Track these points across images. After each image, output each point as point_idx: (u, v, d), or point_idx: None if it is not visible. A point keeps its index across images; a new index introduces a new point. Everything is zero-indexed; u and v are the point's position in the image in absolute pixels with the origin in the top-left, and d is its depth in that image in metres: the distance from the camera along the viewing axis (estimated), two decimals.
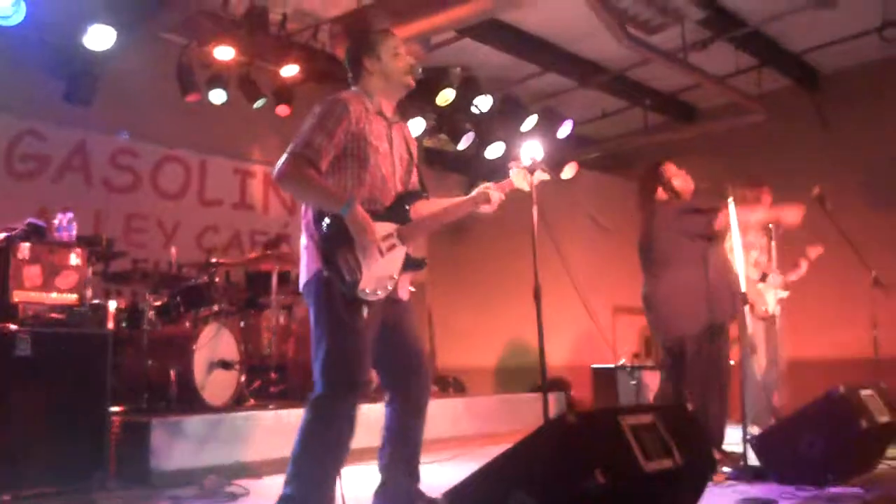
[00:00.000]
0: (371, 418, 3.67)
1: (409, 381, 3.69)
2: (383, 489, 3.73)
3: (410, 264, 3.58)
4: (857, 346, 6.68)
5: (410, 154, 3.77)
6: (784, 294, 6.64)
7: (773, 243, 6.23)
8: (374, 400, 3.83)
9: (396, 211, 3.57)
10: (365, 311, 3.37)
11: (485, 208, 3.77)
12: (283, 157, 3.41)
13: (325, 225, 3.38)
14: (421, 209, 3.68)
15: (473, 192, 3.78)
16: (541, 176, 3.80)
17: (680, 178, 5.50)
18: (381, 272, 3.44)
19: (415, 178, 3.77)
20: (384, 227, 3.48)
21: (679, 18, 7.82)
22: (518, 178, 3.79)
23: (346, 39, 3.81)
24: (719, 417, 5.10)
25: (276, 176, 3.41)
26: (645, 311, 5.44)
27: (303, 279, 3.56)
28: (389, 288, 3.46)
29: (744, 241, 6.20)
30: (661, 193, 5.50)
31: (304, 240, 3.56)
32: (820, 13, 7.79)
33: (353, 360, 3.40)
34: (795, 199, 6.61)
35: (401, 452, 3.71)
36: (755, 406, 5.96)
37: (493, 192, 3.76)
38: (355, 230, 3.32)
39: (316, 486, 3.38)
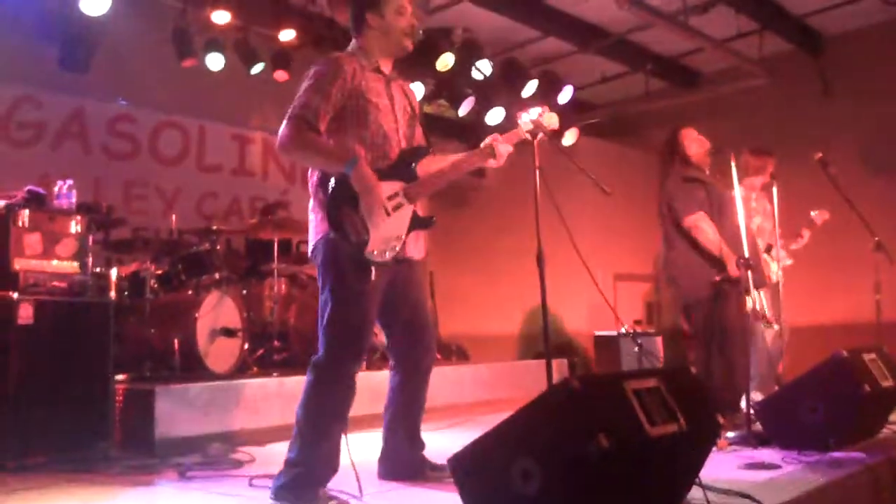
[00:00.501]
0: (376, 385, 3.67)
1: (413, 345, 3.69)
2: (388, 454, 3.75)
3: (418, 223, 3.55)
4: (860, 311, 6.68)
5: (413, 109, 3.72)
6: (788, 262, 6.62)
7: (776, 208, 6.20)
8: (379, 366, 3.84)
9: (401, 168, 3.53)
10: (373, 273, 3.35)
11: (491, 162, 3.71)
12: (283, 123, 3.38)
13: (330, 187, 3.35)
14: (427, 166, 3.64)
15: (482, 144, 3.74)
16: (550, 122, 3.73)
17: (696, 144, 5.53)
18: (389, 232, 3.41)
19: (419, 133, 3.73)
20: (390, 186, 3.45)
21: None
22: (527, 126, 3.71)
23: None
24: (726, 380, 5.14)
25: (279, 143, 3.38)
26: (666, 278, 5.52)
27: (311, 242, 3.54)
28: (397, 249, 3.44)
29: (746, 208, 6.19)
30: (676, 160, 5.55)
31: (311, 203, 3.53)
32: None
33: (355, 325, 3.40)
34: (798, 164, 6.60)
35: (404, 415, 3.72)
36: (760, 373, 5.97)
37: (501, 144, 3.70)
38: (360, 189, 3.29)
39: (318, 449, 3.39)
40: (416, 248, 3.66)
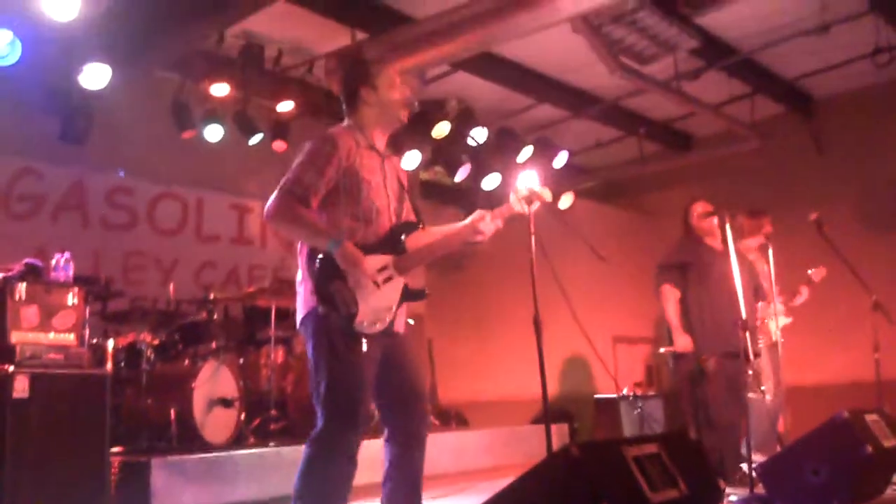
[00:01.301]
0: (373, 454, 3.63)
1: (408, 414, 3.64)
2: None
3: (409, 295, 3.55)
4: (859, 370, 6.66)
5: (402, 186, 3.75)
6: (787, 321, 6.62)
7: (772, 268, 6.22)
8: (375, 435, 3.80)
9: (391, 242, 3.55)
10: (364, 345, 3.35)
11: (478, 238, 3.72)
12: (273, 194, 3.41)
13: (318, 261, 3.37)
14: (417, 240, 3.66)
15: (468, 220, 3.74)
16: (544, 196, 3.73)
17: (703, 219, 5.72)
18: (379, 304, 3.42)
19: (408, 208, 3.76)
20: (379, 260, 3.46)
21: (671, 48, 7.86)
22: (517, 203, 3.68)
23: (343, 69, 3.78)
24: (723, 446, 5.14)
25: (266, 213, 3.42)
26: None
27: (299, 315, 3.53)
28: (388, 320, 3.44)
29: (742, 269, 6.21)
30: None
31: (299, 275, 3.54)
32: (812, 40, 7.83)
33: (352, 395, 3.37)
34: (793, 224, 6.65)
35: (402, 487, 3.67)
36: (760, 433, 5.93)
37: (488, 219, 3.68)
38: (346, 266, 3.31)
39: None
40: (402, 321, 3.66)
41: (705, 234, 5.77)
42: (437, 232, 3.74)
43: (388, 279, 3.47)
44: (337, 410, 3.37)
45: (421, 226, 3.71)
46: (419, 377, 3.71)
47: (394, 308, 3.47)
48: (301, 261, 3.52)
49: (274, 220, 3.43)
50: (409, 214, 3.74)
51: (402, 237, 3.59)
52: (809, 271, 6.64)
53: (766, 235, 6.55)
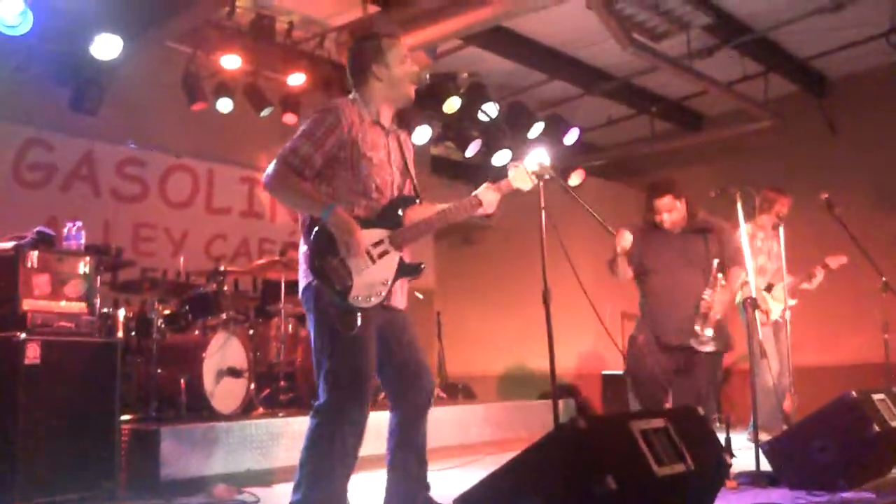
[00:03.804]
0: (379, 425, 3.66)
1: (410, 387, 3.66)
2: (393, 496, 3.72)
3: (405, 270, 3.56)
4: (868, 351, 6.66)
5: (405, 161, 3.75)
6: (793, 302, 6.61)
7: (782, 248, 6.22)
8: (381, 407, 3.82)
9: (388, 216, 3.56)
10: (359, 318, 3.36)
11: (481, 211, 3.71)
12: (272, 163, 3.44)
13: (313, 233, 3.40)
14: (414, 214, 3.66)
15: (471, 195, 3.74)
16: (544, 172, 3.71)
17: (662, 214, 5.45)
18: (373, 278, 3.43)
19: (409, 184, 3.76)
20: (375, 234, 3.48)
21: (684, 25, 7.82)
22: (517, 178, 3.69)
23: (354, 43, 3.75)
24: None
25: (264, 180, 3.47)
26: None
27: (300, 288, 3.57)
28: (382, 294, 3.45)
29: (752, 247, 6.20)
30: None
31: (300, 248, 3.57)
32: (826, 19, 7.77)
33: (353, 369, 3.40)
34: (804, 205, 6.62)
35: (407, 458, 3.70)
36: (765, 412, 5.94)
37: (488, 192, 3.67)
38: (338, 233, 3.33)
39: (323, 494, 3.37)
40: (401, 298, 3.67)
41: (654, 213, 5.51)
42: (436, 207, 3.74)
43: (384, 253, 3.49)
44: (339, 383, 3.39)
45: (419, 201, 3.71)
46: (420, 351, 3.73)
47: (389, 282, 3.49)
48: (302, 235, 3.54)
49: (271, 189, 3.48)
50: (411, 189, 3.75)
51: (400, 211, 3.60)
52: (828, 260, 6.60)
53: (778, 215, 6.55)
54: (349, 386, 3.39)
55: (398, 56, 3.64)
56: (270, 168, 3.43)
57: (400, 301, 3.65)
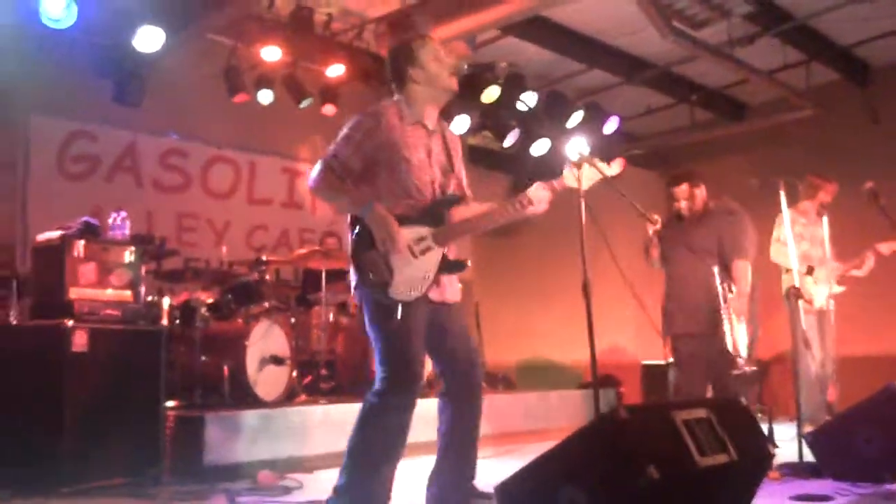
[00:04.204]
0: (429, 412, 3.70)
1: (462, 380, 3.70)
2: (437, 483, 3.75)
3: (448, 266, 3.60)
4: None
5: (450, 160, 3.77)
6: (839, 289, 6.53)
7: (826, 235, 6.14)
8: (430, 394, 3.86)
9: (431, 214, 3.61)
10: (399, 312, 3.43)
11: (532, 209, 3.69)
12: (316, 166, 3.58)
13: (355, 231, 3.53)
14: (460, 213, 3.70)
15: (520, 196, 3.73)
16: (590, 175, 3.73)
17: (680, 201, 5.63)
18: (415, 273, 3.50)
19: (456, 182, 3.78)
20: (417, 231, 3.54)
21: (725, 13, 7.73)
22: (571, 178, 3.70)
23: (387, 50, 3.83)
24: None
25: (309, 184, 3.62)
26: None
27: (352, 283, 3.65)
28: (423, 289, 3.51)
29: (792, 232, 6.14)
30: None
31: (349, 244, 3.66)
32: (868, 6, 7.63)
33: (400, 358, 3.48)
34: (848, 194, 6.54)
35: (455, 449, 3.73)
36: (809, 402, 5.89)
37: (539, 190, 3.66)
38: (376, 229, 3.42)
39: (367, 479, 3.44)
40: (452, 291, 3.71)
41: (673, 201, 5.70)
42: (484, 206, 3.76)
43: (427, 250, 3.55)
44: (389, 371, 3.49)
45: (464, 201, 3.74)
46: (470, 341, 3.77)
47: (430, 276, 3.53)
48: (348, 231, 3.64)
49: (315, 190, 3.62)
50: (457, 188, 3.76)
51: (443, 210, 3.65)
52: (880, 245, 6.51)
53: (822, 203, 6.47)
54: (398, 374, 3.48)
55: (431, 54, 3.69)
56: (315, 171, 3.57)
57: (452, 294, 3.70)
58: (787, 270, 6.36)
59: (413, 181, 3.60)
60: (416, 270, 3.50)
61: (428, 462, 3.72)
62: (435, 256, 3.56)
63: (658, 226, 5.21)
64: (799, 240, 6.44)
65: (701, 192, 5.56)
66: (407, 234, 3.48)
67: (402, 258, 3.47)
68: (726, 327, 5.10)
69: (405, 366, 3.48)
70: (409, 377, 3.49)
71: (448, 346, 3.68)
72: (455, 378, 3.70)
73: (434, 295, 3.57)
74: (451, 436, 3.70)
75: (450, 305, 3.69)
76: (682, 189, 5.60)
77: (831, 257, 6.49)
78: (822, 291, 6.47)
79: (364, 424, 3.49)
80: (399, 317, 3.43)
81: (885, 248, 6.51)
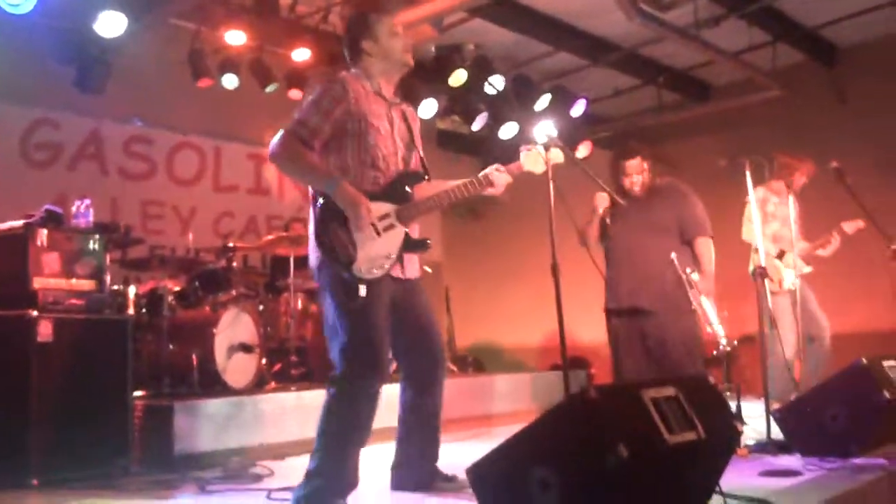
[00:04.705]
0: (391, 397, 3.69)
1: (424, 356, 3.70)
2: (400, 466, 3.76)
3: (410, 245, 3.59)
4: (879, 319, 6.66)
5: (411, 135, 3.76)
6: (807, 269, 6.59)
7: (792, 215, 6.19)
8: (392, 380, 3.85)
9: (395, 191, 3.58)
10: (363, 290, 3.38)
11: (491, 191, 3.74)
12: (278, 134, 3.46)
13: (319, 205, 3.43)
14: (422, 191, 3.69)
15: (480, 174, 3.76)
16: (556, 157, 3.77)
17: (632, 176, 5.49)
18: (378, 251, 3.46)
19: (416, 159, 3.77)
20: (382, 207, 3.50)
21: None
22: (529, 161, 3.75)
23: (343, 23, 3.83)
24: None
25: (270, 152, 3.49)
26: None
27: (311, 261, 3.60)
28: (386, 267, 3.47)
29: (763, 212, 6.18)
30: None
31: (310, 221, 3.58)
32: None
33: (364, 339, 3.43)
34: (813, 174, 6.59)
35: (418, 430, 3.74)
36: (778, 381, 5.95)
37: (500, 174, 3.72)
38: (345, 206, 3.35)
39: (337, 462, 3.43)
40: (412, 268, 3.70)
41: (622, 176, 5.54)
42: (444, 184, 3.76)
43: (390, 227, 3.52)
44: (352, 354, 3.43)
45: (427, 178, 3.73)
46: (432, 320, 3.77)
47: (393, 256, 3.51)
48: (310, 206, 3.55)
49: (277, 160, 3.50)
50: (417, 164, 3.75)
51: (407, 187, 3.62)
52: (844, 224, 6.56)
53: (791, 184, 6.51)
54: (362, 357, 3.43)
55: (387, 28, 3.68)
56: (277, 138, 3.45)
57: (412, 271, 3.69)
58: (756, 250, 6.42)
59: (380, 151, 3.57)
60: (379, 248, 3.46)
61: (389, 447, 3.72)
62: (398, 234, 3.54)
63: (605, 203, 5.21)
64: (771, 219, 6.49)
65: (648, 166, 5.48)
66: (371, 209, 3.42)
67: (367, 235, 3.42)
68: (702, 309, 5.05)
69: (372, 349, 3.43)
70: (373, 359, 3.44)
71: (410, 324, 3.66)
72: (416, 357, 3.69)
73: (396, 272, 3.55)
74: (413, 418, 3.70)
75: (412, 282, 3.68)
76: (634, 163, 5.47)
77: (798, 236, 6.54)
78: (790, 272, 6.53)
79: (332, 409, 3.45)
80: (363, 294, 3.38)
81: (849, 227, 6.57)
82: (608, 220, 5.46)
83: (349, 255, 3.38)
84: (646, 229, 5.36)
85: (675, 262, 5.09)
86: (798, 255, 6.46)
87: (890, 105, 8.53)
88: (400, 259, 3.56)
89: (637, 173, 5.46)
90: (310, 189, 3.56)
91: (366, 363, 3.43)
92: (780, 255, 6.53)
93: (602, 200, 5.23)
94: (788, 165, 6.58)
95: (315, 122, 3.46)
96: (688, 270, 5.07)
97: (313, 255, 3.55)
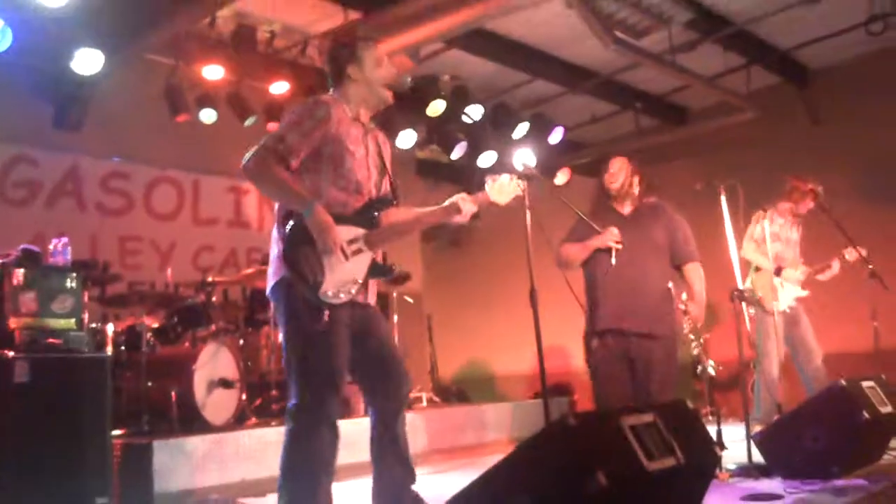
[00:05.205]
0: (352, 434, 3.64)
1: (387, 380, 3.65)
2: (380, 488, 3.70)
3: (376, 271, 3.57)
4: (857, 340, 6.68)
5: (383, 161, 3.77)
6: (803, 293, 6.60)
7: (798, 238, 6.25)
8: (353, 415, 3.81)
9: (364, 216, 3.57)
10: (325, 315, 3.33)
11: (457, 218, 3.73)
12: (254, 149, 3.40)
13: (288, 227, 3.37)
14: (390, 216, 3.70)
15: (446, 202, 3.77)
16: (513, 190, 3.75)
17: (614, 175, 5.38)
18: (345, 276, 3.42)
19: (387, 184, 3.78)
20: (350, 231, 3.47)
21: (666, 21, 7.84)
22: (493, 192, 3.74)
23: (330, 47, 3.81)
24: None
25: (243, 166, 3.41)
26: None
27: (269, 283, 3.55)
28: (353, 292, 3.44)
29: (770, 231, 6.21)
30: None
31: (273, 243, 3.55)
32: (806, 10, 7.81)
33: (325, 366, 3.37)
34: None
35: (388, 454, 3.68)
36: (764, 403, 5.95)
37: (465, 203, 3.70)
38: (316, 232, 3.31)
39: (305, 494, 3.36)
40: (372, 294, 3.69)
41: (612, 198, 5.39)
42: (412, 211, 3.77)
43: (357, 252, 3.48)
44: (312, 382, 3.37)
45: (396, 203, 3.73)
46: (394, 345, 3.76)
47: (359, 281, 3.48)
48: (276, 226, 3.51)
49: (250, 174, 3.42)
50: (387, 189, 3.76)
51: (376, 212, 3.62)
52: (845, 251, 6.52)
53: (792, 212, 6.56)
54: (322, 384, 3.37)
55: (373, 59, 3.68)
56: (251, 153, 3.39)
57: (372, 297, 3.67)
58: (756, 269, 6.47)
59: (355, 177, 3.56)
60: (346, 273, 3.42)
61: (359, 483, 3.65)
62: (365, 259, 3.52)
63: (615, 237, 5.09)
64: (774, 239, 6.50)
65: (637, 179, 5.32)
66: (341, 233, 3.37)
67: (335, 259, 3.37)
68: (692, 334, 4.98)
69: (332, 376, 3.38)
70: (333, 384, 3.38)
71: (371, 351, 3.61)
72: (378, 383, 3.65)
73: (360, 297, 3.52)
74: (382, 441, 3.65)
75: (372, 308, 3.67)
76: (619, 162, 5.36)
77: (798, 260, 6.60)
78: (788, 293, 6.53)
79: (292, 444, 3.38)
80: (326, 319, 3.33)
81: (849, 254, 6.52)
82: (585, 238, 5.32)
83: (317, 279, 3.34)
84: (638, 248, 5.15)
85: (672, 289, 5.05)
86: (798, 277, 6.50)
87: (862, 125, 8.64)
88: (365, 284, 3.55)
89: (621, 171, 5.33)
90: (277, 209, 3.53)
91: (325, 391, 3.36)
92: (778, 272, 6.49)
93: (613, 235, 5.08)
94: (796, 189, 6.58)
95: (293, 140, 3.41)
96: (683, 297, 5.03)
97: (274, 276, 3.50)
